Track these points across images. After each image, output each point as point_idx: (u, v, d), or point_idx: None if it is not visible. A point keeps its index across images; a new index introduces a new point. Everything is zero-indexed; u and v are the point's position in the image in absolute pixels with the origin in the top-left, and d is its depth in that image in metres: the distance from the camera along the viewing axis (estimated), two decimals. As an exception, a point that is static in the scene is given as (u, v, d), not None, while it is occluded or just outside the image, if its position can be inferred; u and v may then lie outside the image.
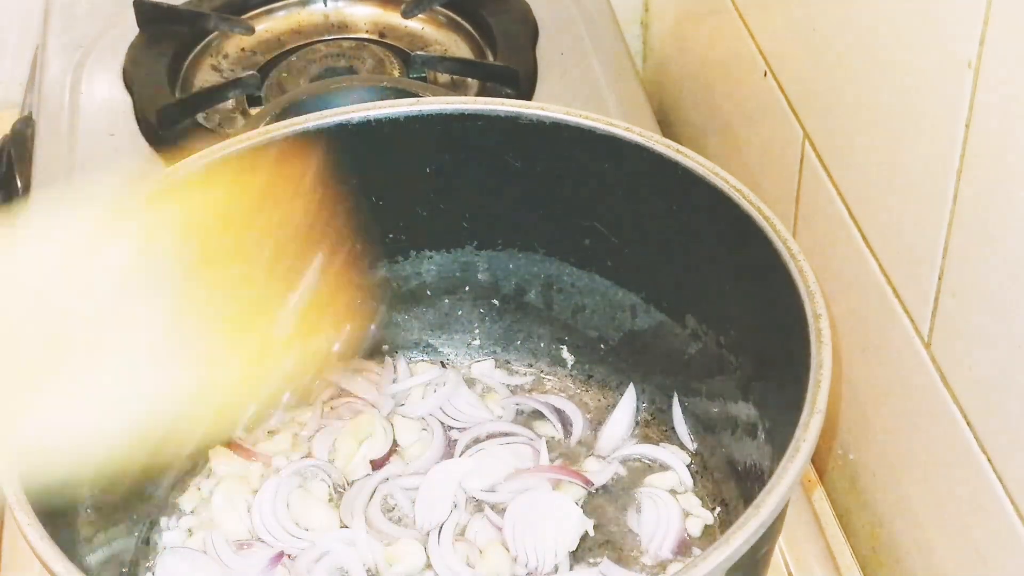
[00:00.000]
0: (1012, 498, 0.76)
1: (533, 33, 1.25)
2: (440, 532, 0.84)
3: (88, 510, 0.78)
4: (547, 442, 0.90)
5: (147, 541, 0.86)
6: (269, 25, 1.29)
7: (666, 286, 0.88)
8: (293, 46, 1.26)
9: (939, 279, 0.80)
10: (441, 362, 0.97)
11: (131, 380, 0.71)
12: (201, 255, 0.74)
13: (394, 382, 0.95)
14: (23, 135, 1.19)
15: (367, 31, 1.28)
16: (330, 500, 0.87)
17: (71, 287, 0.71)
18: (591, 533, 0.85)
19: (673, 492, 0.87)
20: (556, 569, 0.83)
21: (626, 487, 0.88)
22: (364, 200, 0.90)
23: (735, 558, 0.63)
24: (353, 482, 0.89)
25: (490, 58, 1.23)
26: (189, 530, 0.87)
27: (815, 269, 0.74)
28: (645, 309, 0.90)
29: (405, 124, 0.87)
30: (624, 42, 1.27)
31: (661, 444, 0.90)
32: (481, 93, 1.18)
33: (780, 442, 0.69)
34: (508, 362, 0.97)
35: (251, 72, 1.20)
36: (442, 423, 0.92)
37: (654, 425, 0.92)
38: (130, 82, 1.21)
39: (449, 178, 0.90)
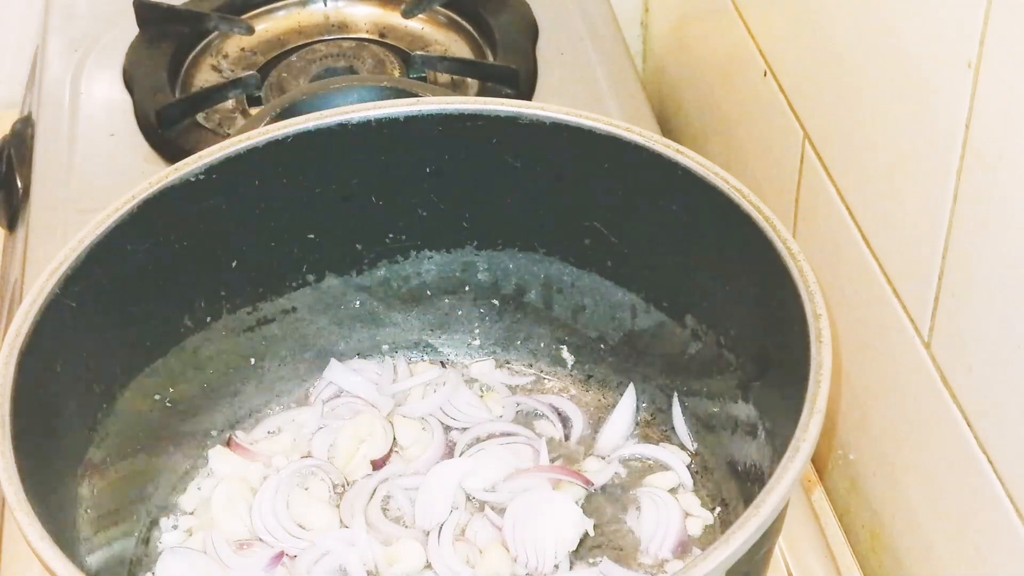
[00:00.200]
0: (1012, 498, 0.76)
1: (533, 33, 1.25)
2: (440, 532, 0.84)
3: (88, 510, 0.78)
4: (547, 442, 0.90)
5: (147, 541, 0.86)
6: (269, 25, 1.29)
7: (666, 286, 0.88)
8: (293, 46, 1.26)
9: (939, 279, 0.80)
10: (441, 362, 0.97)
11: None
12: None
13: (394, 382, 0.95)
14: (23, 135, 1.19)
15: (367, 31, 1.28)
16: (330, 500, 0.87)
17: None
18: (591, 533, 0.85)
19: (673, 492, 0.87)
20: (556, 569, 0.83)
21: (626, 487, 0.88)
22: (364, 201, 0.90)
23: (735, 558, 0.63)
24: (353, 482, 0.89)
25: (490, 58, 1.23)
26: (189, 530, 0.87)
27: (815, 269, 0.74)
28: (645, 309, 0.90)
29: (405, 124, 0.87)
30: (624, 42, 1.27)
31: (661, 444, 0.90)
32: (481, 93, 1.18)
33: (780, 442, 0.69)
34: (508, 362, 0.97)
35: (251, 72, 1.20)
36: (442, 423, 0.92)
37: (654, 425, 0.92)
38: (130, 82, 1.21)
39: (449, 178, 0.90)
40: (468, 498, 0.87)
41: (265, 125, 0.89)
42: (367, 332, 0.96)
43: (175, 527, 0.87)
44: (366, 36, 1.27)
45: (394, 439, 0.91)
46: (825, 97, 0.94)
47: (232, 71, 1.23)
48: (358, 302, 0.94)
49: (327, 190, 0.89)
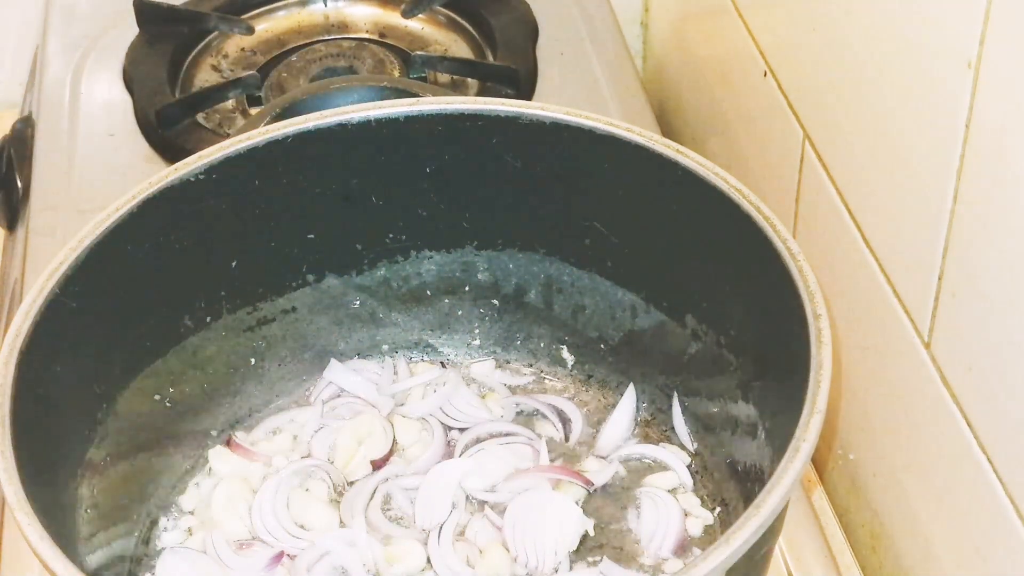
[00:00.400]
0: (1012, 498, 0.76)
1: (533, 33, 1.25)
2: (440, 532, 0.84)
3: (88, 510, 0.78)
4: (547, 442, 0.90)
5: (147, 541, 0.86)
6: (269, 25, 1.29)
7: (666, 286, 0.88)
8: (293, 46, 1.26)
9: (939, 279, 0.80)
10: (441, 362, 0.97)
11: None
12: None
13: (394, 382, 0.95)
14: (23, 135, 1.19)
15: (367, 31, 1.28)
16: (330, 500, 0.87)
17: None
18: (591, 533, 0.85)
19: (673, 492, 0.87)
20: (556, 569, 0.83)
21: (626, 487, 0.88)
22: (364, 201, 0.90)
23: (735, 558, 0.63)
24: (353, 482, 0.89)
25: (490, 58, 1.23)
26: (189, 530, 0.87)
27: (815, 269, 0.74)
28: (645, 309, 0.90)
29: (405, 124, 0.87)
30: (624, 42, 1.27)
31: (661, 444, 0.90)
32: (481, 93, 1.18)
33: (780, 442, 0.69)
34: (508, 362, 0.97)
35: (251, 72, 1.20)
36: (442, 423, 0.92)
37: (654, 425, 0.92)
38: (130, 82, 1.21)
39: (449, 178, 0.90)
40: (468, 498, 0.87)
41: (265, 125, 0.89)
42: (367, 332, 0.96)
43: (175, 527, 0.87)
44: (366, 36, 1.27)
45: (394, 439, 0.91)
46: (825, 97, 0.94)
47: (232, 71, 1.24)
48: (358, 302, 0.94)
49: (327, 190, 0.89)
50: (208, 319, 0.89)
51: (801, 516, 0.89)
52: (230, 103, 1.19)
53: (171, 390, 0.87)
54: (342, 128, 0.87)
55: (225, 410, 0.92)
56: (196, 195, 0.84)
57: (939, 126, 0.77)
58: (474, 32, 1.26)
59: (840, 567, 0.89)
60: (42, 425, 0.74)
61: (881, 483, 0.95)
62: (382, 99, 0.97)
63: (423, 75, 1.20)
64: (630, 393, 0.92)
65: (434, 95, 1.01)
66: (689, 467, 0.89)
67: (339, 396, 0.94)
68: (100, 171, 1.13)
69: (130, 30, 1.26)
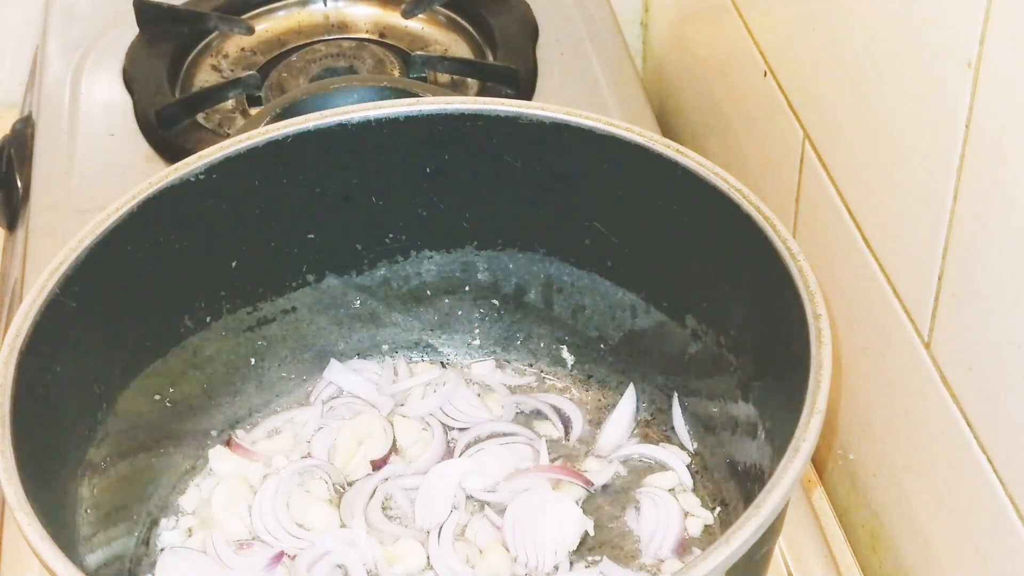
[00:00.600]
0: (1012, 498, 0.76)
1: (533, 33, 1.25)
2: (440, 532, 0.84)
3: (88, 510, 0.78)
4: (547, 442, 0.90)
5: (147, 541, 0.86)
6: (269, 25, 1.29)
7: (666, 286, 0.88)
8: (293, 46, 1.26)
9: (939, 279, 0.80)
10: (441, 362, 0.97)
11: None
12: None
13: (394, 382, 0.95)
14: (23, 135, 1.19)
15: (367, 31, 1.28)
16: (330, 500, 0.87)
17: None
18: (591, 533, 0.85)
19: (673, 492, 0.87)
20: (556, 569, 0.83)
21: (626, 487, 0.88)
22: (364, 201, 0.90)
23: (735, 558, 0.63)
24: (353, 482, 0.89)
25: (490, 58, 1.23)
26: (189, 530, 0.87)
27: (815, 269, 0.74)
28: (645, 309, 0.90)
29: (405, 124, 0.87)
30: (624, 42, 1.27)
31: (661, 444, 0.90)
32: (481, 93, 1.18)
33: (780, 442, 0.69)
34: (508, 362, 0.97)
35: (251, 72, 1.20)
36: (442, 423, 0.92)
37: (654, 425, 0.92)
38: (130, 82, 1.21)
39: (449, 178, 0.90)
40: (468, 498, 0.87)
41: (265, 125, 0.89)
42: (367, 332, 0.96)
43: (175, 527, 0.87)
44: (366, 36, 1.27)
45: (394, 439, 0.91)
46: (825, 97, 0.94)
47: (232, 71, 1.24)
48: (358, 302, 0.94)
49: (327, 190, 0.89)
50: (208, 319, 0.89)
51: (801, 516, 0.89)
52: (230, 103, 1.19)
53: (171, 390, 0.87)
54: (342, 128, 0.87)
55: (225, 410, 0.92)
56: (196, 195, 0.84)
57: (939, 126, 0.77)
58: (474, 32, 1.26)
59: (840, 567, 0.89)
60: (42, 425, 0.74)
61: (881, 483, 0.95)
62: (382, 99, 0.97)
63: (423, 75, 1.20)
64: (630, 393, 0.92)
65: (434, 95, 1.01)
66: (689, 467, 0.89)
67: (339, 396, 0.94)
68: (100, 171, 1.13)
69: (130, 30, 1.26)
